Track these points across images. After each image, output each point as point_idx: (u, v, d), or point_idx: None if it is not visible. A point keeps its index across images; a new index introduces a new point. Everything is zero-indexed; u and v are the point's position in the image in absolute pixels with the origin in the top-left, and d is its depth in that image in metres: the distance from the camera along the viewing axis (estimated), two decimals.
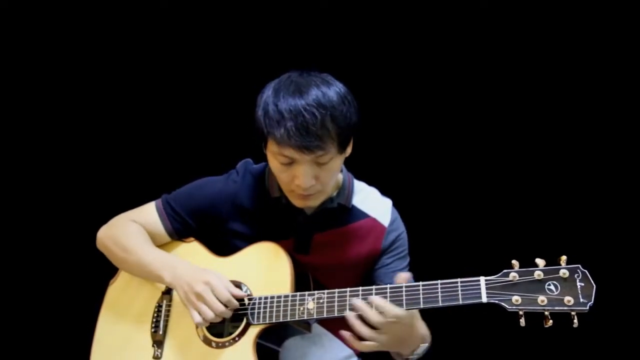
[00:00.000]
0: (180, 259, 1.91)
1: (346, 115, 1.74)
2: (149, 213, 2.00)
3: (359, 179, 2.02)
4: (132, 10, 2.77)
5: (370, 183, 2.04)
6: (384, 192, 2.04)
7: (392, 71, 2.74)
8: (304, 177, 1.74)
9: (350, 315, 1.66)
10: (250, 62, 2.73)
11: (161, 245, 2.00)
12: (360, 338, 1.65)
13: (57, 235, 2.87)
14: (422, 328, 1.76)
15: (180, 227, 1.98)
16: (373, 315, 1.63)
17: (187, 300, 1.80)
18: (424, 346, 1.76)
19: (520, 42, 2.62)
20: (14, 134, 2.88)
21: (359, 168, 2.00)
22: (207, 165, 2.08)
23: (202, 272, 1.82)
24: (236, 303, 1.78)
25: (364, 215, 1.96)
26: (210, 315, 1.76)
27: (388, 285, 1.68)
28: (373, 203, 1.99)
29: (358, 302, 1.66)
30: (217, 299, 1.77)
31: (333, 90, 1.74)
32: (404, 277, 1.70)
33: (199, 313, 1.77)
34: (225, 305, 1.77)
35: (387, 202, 2.01)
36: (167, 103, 2.86)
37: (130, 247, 1.93)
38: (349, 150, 1.84)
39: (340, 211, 1.94)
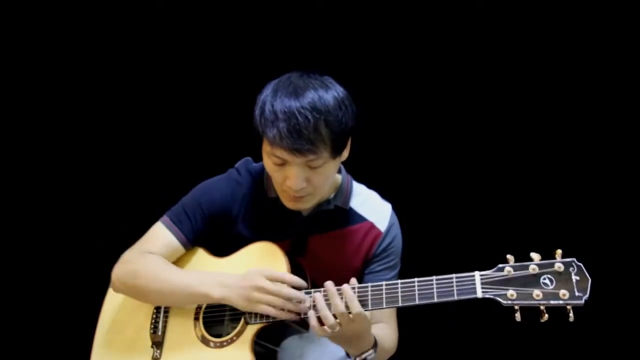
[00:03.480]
0: (211, 272, 1.87)
1: (341, 120, 1.73)
2: (158, 235, 1.94)
3: (358, 180, 2.02)
4: (132, 11, 2.78)
5: (366, 179, 2.03)
6: (379, 187, 2.03)
7: (391, 73, 2.74)
8: (295, 179, 1.74)
9: (318, 297, 1.68)
10: (250, 63, 2.74)
11: None
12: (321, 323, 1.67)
13: (58, 238, 2.88)
14: (371, 334, 1.74)
15: (193, 238, 1.93)
16: (339, 304, 1.64)
17: (249, 301, 1.74)
18: (371, 352, 1.74)
19: (518, 43, 2.62)
20: (13, 136, 2.90)
21: (356, 168, 2.00)
22: (207, 165, 2.08)
23: (247, 273, 1.78)
24: (291, 278, 1.75)
25: (361, 218, 1.95)
26: (279, 301, 1.72)
27: (384, 283, 1.68)
28: (372, 206, 1.98)
29: (331, 286, 1.67)
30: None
31: (330, 94, 1.73)
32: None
33: (272, 306, 1.73)
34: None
35: (387, 207, 1.99)
36: (166, 104, 2.87)
37: (162, 277, 1.86)
38: (345, 154, 1.82)
39: (337, 213, 1.93)
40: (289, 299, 1.73)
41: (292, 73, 1.80)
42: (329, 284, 1.69)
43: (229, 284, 1.78)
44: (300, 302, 1.73)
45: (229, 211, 1.93)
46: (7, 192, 2.90)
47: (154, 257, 1.90)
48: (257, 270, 1.77)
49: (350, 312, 1.64)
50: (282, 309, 1.73)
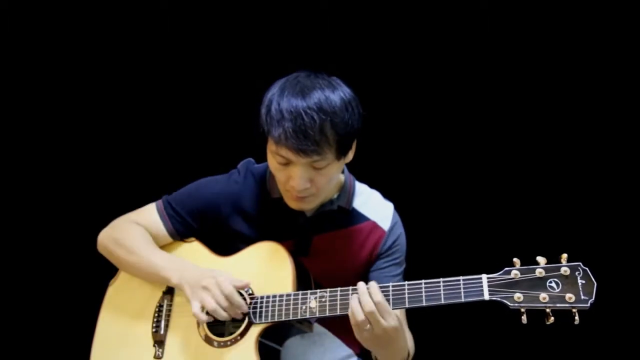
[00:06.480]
0: (186, 260, 1.90)
1: (347, 122, 1.73)
2: (149, 214, 1.99)
3: (361, 180, 2.02)
4: (134, 10, 2.76)
5: (371, 181, 2.04)
6: (386, 190, 2.04)
7: (394, 73, 2.75)
8: (299, 179, 1.74)
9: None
10: (252, 62, 2.73)
11: (162, 246, 2.00)
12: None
13: (58, 235, 2.85)
14: (405, 343, 1.75)
15: (181, 228, 1.98)
16: (368, 303, 1.63)
17: (192, 294, 1.79)
18: None
19: (520, 42, 2.62)
20: (14, 134, 2.86)
21: (360, 169, 2.00)
22: (208, 165, 2.08)
23: (209, 270, 1.82)
24: (239, 300, 1.77)
25: (364, 218, 1.96)
26: (212, 305, 1.74)
27: (390, 284, 1.68)
28: (374, 206, 1.98)
29: (362, 285, 1.66)
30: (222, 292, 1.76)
31: (337, 95, 1.73)
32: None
33: (202, 303, 1.76)
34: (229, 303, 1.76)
35: (389, 206, 2.00)
36: (168, 103, 2.85)
37: (135, 249, 1.92)
38: (350, 155, 1.83)
39: (340, 213, 1.94)
40: (209, 309, 1.76)
41: (300, 72, 1.80)
42: (361, 284, 1.67)
43: (186, 275, 1.83)
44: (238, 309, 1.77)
45: (217, 209, 1.93)
46: (7, 192, 2.87)
47: (138, 229, 1.96)
48: (215, 275, 1.79)
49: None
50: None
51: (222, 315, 1.76)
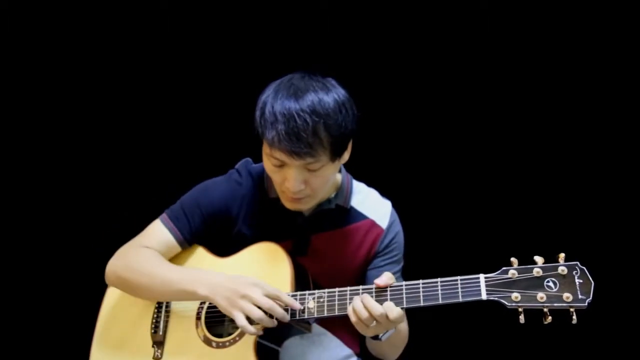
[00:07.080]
0: (206, 270, 1.87)
1: (341, 124, 1.72)
2: (155, 232, 1.95)
3: (359, 179, 2.02)
4: (132, 11, 2.76)
5: (369, 181, 2.04)
6: (383, 190, 2.04)
7: (392, 72, 2.75)
8: (293, 181, 1.74)
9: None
10: (251, 63, 2.73)
11: None
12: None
13: (57, 236, 2.86)
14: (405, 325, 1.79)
15: (189, 236, 1.94)
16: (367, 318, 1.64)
17: (231, 305, 1.73)
18: (391, 331, 1.75)
19: (521, 42, 2.62)
20: (13, 138, 2.87)
21: (358, 168, 2.00)
22: (207, 165, 2.08)
23: (242, 277, 1.78)
24: (288, 299, 1.74)
25: (362, 216, 1.96)
26: (258, 313, 1.71)
27: (388, 286, 1.68)
28: (372, 204, 1.99)
29: (358, 304, 1.66)
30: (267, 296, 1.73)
31: (331, 97, 1.73)
32: (387, 276, 1.69)
33: (247, 314, 1.72)
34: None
35: (387, 204, 2.01)
36: (165, 104, 2.85)
37: (153, 271, 1.86)
38: (346, 156, 1.83)
39: (338, 212, 1.94)
40: (271, 315, 1.72)
41: (295, 74, 1.80)
42: (366, 296, 1.67)
43: (215, 284, 1.77)
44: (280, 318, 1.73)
45: (228, 211, 1.93)
46: (7, 192, 2.88)
47: (149, 251, 1.91)
48: (254, 282, 1.75)
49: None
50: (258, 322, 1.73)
51: (270, 322, 1.73)
